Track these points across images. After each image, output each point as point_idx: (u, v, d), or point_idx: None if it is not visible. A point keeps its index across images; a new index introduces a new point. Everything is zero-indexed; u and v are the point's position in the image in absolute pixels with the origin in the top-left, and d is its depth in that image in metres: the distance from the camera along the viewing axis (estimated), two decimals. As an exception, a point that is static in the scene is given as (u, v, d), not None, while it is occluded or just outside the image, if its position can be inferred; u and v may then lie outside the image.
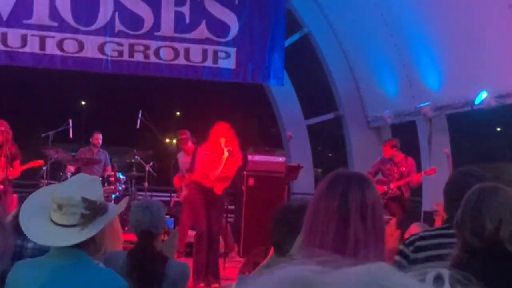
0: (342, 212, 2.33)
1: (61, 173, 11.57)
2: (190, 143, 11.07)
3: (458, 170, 4.05)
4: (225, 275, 9.58)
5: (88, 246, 3.04)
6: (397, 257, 3.49)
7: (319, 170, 20.19)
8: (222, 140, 8.61)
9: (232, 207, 11.26)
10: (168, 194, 13.49)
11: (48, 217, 3.02)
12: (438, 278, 2.57)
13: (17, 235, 3.46)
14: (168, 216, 4.05)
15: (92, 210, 2.98)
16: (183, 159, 11.11)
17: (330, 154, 26.36)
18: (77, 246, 2.98)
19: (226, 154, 8.58)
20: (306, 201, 2.82)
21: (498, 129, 25.29)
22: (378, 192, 2.49)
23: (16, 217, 3.21)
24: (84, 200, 2.97)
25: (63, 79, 16.94)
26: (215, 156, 8.66)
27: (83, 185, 3.06)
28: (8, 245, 1.98)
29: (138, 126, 11.82)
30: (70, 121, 11.83)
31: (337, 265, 0.74)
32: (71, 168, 11.61)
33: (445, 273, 2.58)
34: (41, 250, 3.42)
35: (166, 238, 4.41)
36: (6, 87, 18.17)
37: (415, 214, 11.92)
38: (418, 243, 3.55)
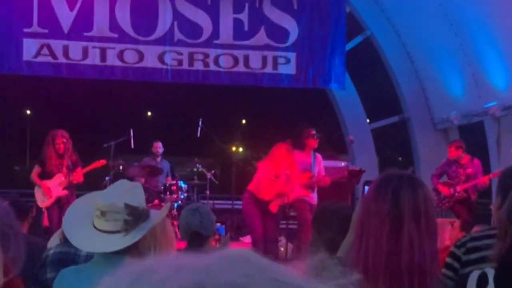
0: (394, 214, 2.30)
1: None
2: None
3: (510, 168, 3.86)
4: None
5: (131, 252, 3.02)
6: (448, 260, 3.37)
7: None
8: (281, 164, 8.63)
9: (294, 213, 11.12)
10: (230, 202, 13.46)
11: (91, 224, 3.03)
12: (482, 277, 2.43)
13: (69, 243, 3.46)
14: (219, 224, 3.99)
15: (135, 216, 2.99)
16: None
17: (400, 158, 25.97)
18: (121, 253, 2.96)
19: (283, 178, 8.61)
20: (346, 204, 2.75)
21: None
22: (429, 190, 2.42)
23: None
24: (127, 206, 2.98)
25: (124, 90, 17.14)
26: (272, 178, 8.67)
27: (125, 192, 3.06)
28: (21, 251, 1.99)
29: (198, 135, 11.82)
30: (132, 131, 11.92)
31: None
32: (141, 180, 11.70)
33: (490, 272, 2.43)
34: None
35: (217, 245, 4.36)
36: (70, 98, 18.53)
37: (485, 216, 11.59)
38: (469, 244, 3.41)
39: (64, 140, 10.00)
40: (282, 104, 14.82)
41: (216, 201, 12.97)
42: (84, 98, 18.90)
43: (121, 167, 11.61)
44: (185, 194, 11.74)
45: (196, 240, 4.05)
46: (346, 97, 14.42)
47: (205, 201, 12.29)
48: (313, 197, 9.68)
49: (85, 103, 19.98)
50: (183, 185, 11.69)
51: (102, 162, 10.91)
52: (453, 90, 13.30)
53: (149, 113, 28.10)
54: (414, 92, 14.29)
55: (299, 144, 9.91)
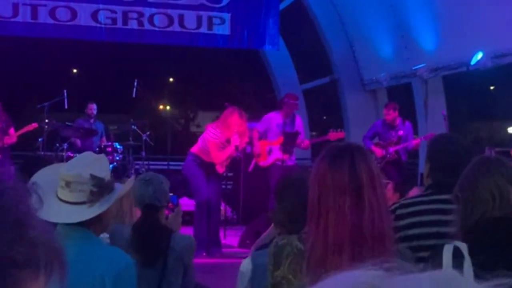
0: (354, 184, 2.33)
1: (57, 144, 11.52)
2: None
3: (439, 136, 4.03)
4: (226, 243, 9.62)
5: (95, 224, 3.03)
6: None
7: (313, 133, 20.17)
8: (234, 130, 8.62)
9: (230, 174, 11.25)
10: (165, 163, 13.48)
11: (54, 195, 2.99)
12: (456, 251, 2.55)
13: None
14: (171, 193, 4.02)
15: (100, 188, 2.97)
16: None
17: (324, 117, 26.33)
18: (84, 225, 2.97)
19: (234, 146, 8.62)
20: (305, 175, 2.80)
21: (492, 88, 25.28)
22: (375, 160, 2.49)
23: None
24: (93, 177, 2.95)
25: (56, 49, 16.77)
26: (224, 142, 8.64)
27: (91, 163, 3.04)
28: None
29: (134, 95, 11.72)
30: (65, 91, 11.74)
31: (403, 271, 0.71)
32: (77, 141, 11.58)
33: (463, 246, 2.56)
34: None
35: (170, 214, 4.41)
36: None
37: (413, 177, 11.96)
38: (399, 211, 3.52)
39: None
40: (216, 65, 14.80)
41: (151, 162, 12.97)
42: (15, 57, 18.39)
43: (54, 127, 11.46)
44: (120, 156, 11.67)
45: (149, 211, 4.08)
46: (278, 58, 14.52)
47: (140, 162, 12.28)
48: (289, 160, 9.79)
49: (17, 63, 19.44)
50: (118, 147, 11.61)
51: (34, 125, 10.75)
52: (382, 52, 13.52)
53: (81, 73, 27.57)
54: (344, 53, 14.45)
55: (278, 107, 10.02)
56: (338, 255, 2.29)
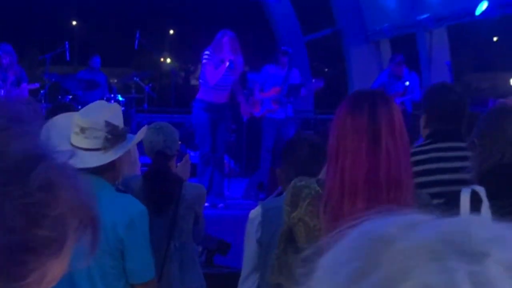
0: (372, 130, 2.34)
1: (59, 97, 11.46)
2: None
3: (434, 86, 4.01)
4: (230, 195, 9.63)
5: (108, 172, 3.05)
6: None
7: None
8: (226, 48, 8.49)
9: (233, 126, 11.21)
10: (168, 116, 13.41)
11: (67, 142, 2.98)
12: (474, 195, 2.54)
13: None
14: (180, 142, 4.00)
15: (114, 135, 2.98)
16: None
17: (330, 69, 26.20)
18: (97, 172, 2.96)
19: (228, 63, 8.47)
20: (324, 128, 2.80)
21: (495, 39, 25.16)
22: (399, 109, 2.49)
23: None
24: (108, 124, 2.96)
25: (57, 1, 16.62)
26: (218, 62, 8.52)
27: (105, 110, 3.05)
28: None
29: (136, 47, 11.63)
30: (67, 43, 11.63)
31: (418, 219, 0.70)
32: (79, 93, 11.52)
33: (481, 190, 2.55)
34: None
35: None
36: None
37: (418, 128, 11.91)
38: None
39: (7, 54, 9.71)
40: (217, 17, 14.64)
41: (154, 115, 12.90)
42: (16, 9, 18.22)
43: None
44: (123, 108, 11.60)
45: (160, 159, 4.08)
46: (280, 9, 14.36)
47: (143, 115, 12.21)
48: (282, 112, 9.74)
49: (17, 15, 19.28)
50: (120, 99, 11.56)
51: (36, 85, 10.74)
52: (386, 2, 13.39)
53: (83, 25, 27.37)
54: (348, 4, 14.30)
55: (274, 59, 9.96)
56: (353, 198, 2.31)
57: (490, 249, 0.63)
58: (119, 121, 3.03)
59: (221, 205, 8.85)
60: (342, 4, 14.32)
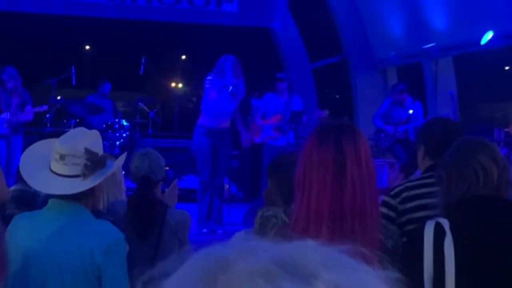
0: (338, 160, 2.37)
1: (64, 121, 11.54)
2: None
3: (430, 120, 4.05)
4: (230, 221, 9.63)
5: (87, 198, 3.07)
6: (383, 209, 3.38)
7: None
8: (228, 73, 8.52)
9: (236, 152, 11.24)
10: (172, 140, 13.46)
11: (48, 168, 3.03)
12: (438, 228, 2.55)
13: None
14: (167, 168, 4.03)
15: (94, 162, 2.99)
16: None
17: (337, 96, 26.22)
18: (76, 198, 3.00)
19: (231, 88, 8.50)
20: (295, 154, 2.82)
21: (507, 68, 25.12)
22: (365, 137, 2.51)
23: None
24: (87, 151, 2.98)
25: (65, 26, 16.76)
26: (220, 88, 8.53)
27: (85, 137, 3.07)
28: None
29: (141, 73, 11.70)
30: (73, 68, 11.72)
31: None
32: (85, 118, 11.58)
33: (445, 222, 2.55)
34: None
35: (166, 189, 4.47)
36: (6, 32, 18.03)
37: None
38: (405, 194, 3.53)
39: (11, 78, 9.81)
40: (224, 43, 14.72)
41: (158, 139, 12.95)
42: (24, 34, 18.41)
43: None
44: (127, 133, 11.67)
45: (145, 184, 4.11)
46: (288, 37, 14.44)
47: (147, 140, 12.26)
48: (283, 139, 9.79)
49: (24, 38, 19.47)
50: (125, 124, 11.63)
51: (44, 108, 10.83)
52: (393, 31, 13.44)
53: (90, 49, 27.60)
54: (355, 32, 14.37)
55: (273, 87, 10.06)
56: (318, 227, 2.35)
57: (320, 271, 0.69)
58: (98, 148, 3.06)
59: (220, 231, 8.85)
60: (349, 32, 14.39)
